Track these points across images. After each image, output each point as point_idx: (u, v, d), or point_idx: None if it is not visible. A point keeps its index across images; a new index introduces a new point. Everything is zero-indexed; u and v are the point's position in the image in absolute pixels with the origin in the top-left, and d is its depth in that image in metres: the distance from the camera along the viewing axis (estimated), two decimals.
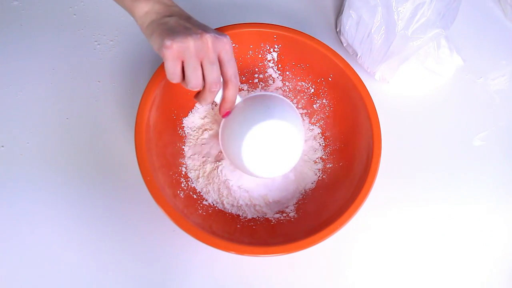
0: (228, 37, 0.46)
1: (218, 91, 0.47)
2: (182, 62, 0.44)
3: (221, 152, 0.59)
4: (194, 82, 0.45)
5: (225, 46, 0.46)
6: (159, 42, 0.44)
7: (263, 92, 0.56)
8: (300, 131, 0.54)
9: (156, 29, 0.45)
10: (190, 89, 0.46)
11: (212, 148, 0.61)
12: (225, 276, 0.56)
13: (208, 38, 0.44)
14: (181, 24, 0.45)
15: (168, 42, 0.42)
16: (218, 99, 0.50)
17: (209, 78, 0.46)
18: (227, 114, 0.52)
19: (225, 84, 0.48)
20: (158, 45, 0.44)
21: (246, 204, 0.58)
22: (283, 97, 0.56)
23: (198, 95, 0.49)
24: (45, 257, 0.55)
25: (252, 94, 0.56)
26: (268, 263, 0.57)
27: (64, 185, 0.58)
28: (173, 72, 0.44)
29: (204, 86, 0.47)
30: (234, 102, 0.51)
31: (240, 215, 0.58)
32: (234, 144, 0.52)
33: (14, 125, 0.61)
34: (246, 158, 0.51)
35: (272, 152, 0.53)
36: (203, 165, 0.60)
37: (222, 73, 0.47)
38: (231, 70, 0.47)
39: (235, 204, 0.58)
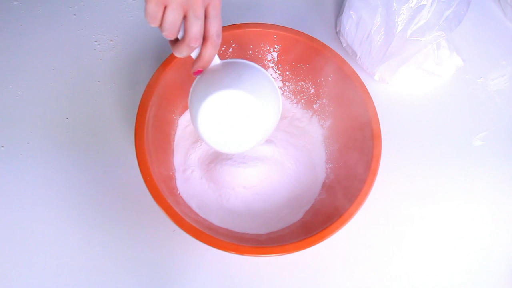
0: None
1: (197, 47, 0.44)
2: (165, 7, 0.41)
3: (220, 153, 0.58)
4: (169, 31, 0.42)
5: (214, 0, 0.43)
6: None
7: (243, 60, 0.51)
8: (269, 110, 0.49)
9: None
10: (164, 36, 0.43)
11: (211, 148, 0.60)
12: (224, 276, 0.56)
13: None
14: None
15: None
16: (194, 54, 0.47)
17: (191, 31, 0.42)
18: (198, 73, 0.48)
19: (204, 40, 0.44)
20: None
21: (244, 207, 0.58)
22: (264, 71, 0.51)
23: (174, 44, 0.45)
24: (45, 257, 0.55)
25: (232, 59, 0.51)
26: (268, 263, 0.57)
27: (64, 185, 0.58)
28: (153, 17, 0.41)
29: (183, 38, 0.43)
30: (210, 62, 0.47)
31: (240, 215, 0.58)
32: (195, 106, 0.48)
33: (14, 125, 0.61)
34: (202, 124, 0.48)
35: (231, 124, 0.49)
36: (203, 166, 0.60)
37: (205, 28, 0.44)
38: (215, 27, 0.44)
39: (235, 205, 0.58)
